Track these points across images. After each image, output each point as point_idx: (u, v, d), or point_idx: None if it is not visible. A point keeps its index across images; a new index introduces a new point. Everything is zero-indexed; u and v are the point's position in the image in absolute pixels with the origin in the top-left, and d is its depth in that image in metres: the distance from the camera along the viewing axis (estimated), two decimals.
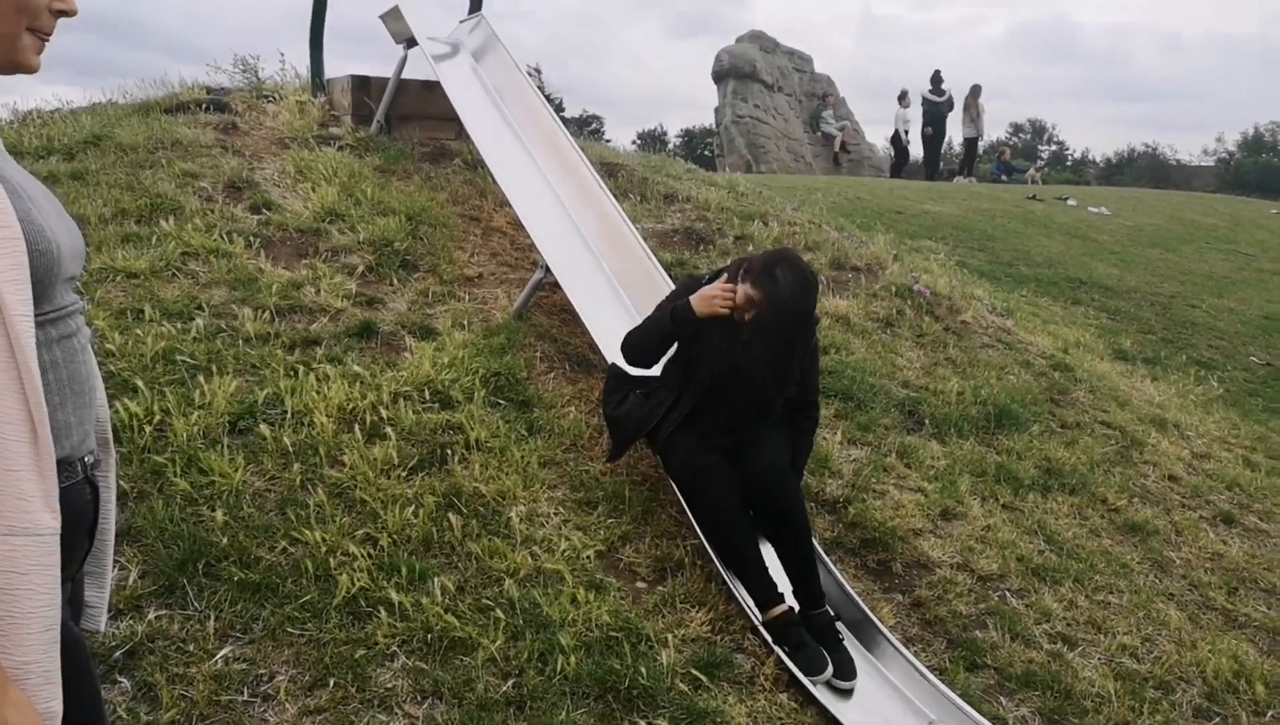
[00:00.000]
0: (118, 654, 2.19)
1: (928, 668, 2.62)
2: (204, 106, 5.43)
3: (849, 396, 3.98)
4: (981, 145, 18.17)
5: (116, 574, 2.38)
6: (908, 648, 2.68)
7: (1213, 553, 3.62)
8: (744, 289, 2.77)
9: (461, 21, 5.80)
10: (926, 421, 4.02)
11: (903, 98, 17.14)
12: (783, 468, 2.83)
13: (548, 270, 3.90)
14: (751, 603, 2.71)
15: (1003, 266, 8.17)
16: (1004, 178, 18.58)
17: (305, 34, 5.80)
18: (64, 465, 1.12)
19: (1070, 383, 4.88)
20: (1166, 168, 41.08)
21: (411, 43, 5.27)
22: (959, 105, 16.95)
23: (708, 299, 2.83)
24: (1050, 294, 7.58)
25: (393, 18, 5.32)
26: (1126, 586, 3.23)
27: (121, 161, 4.39)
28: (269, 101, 5.67)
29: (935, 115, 16.86)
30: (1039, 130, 51.26)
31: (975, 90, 16.59)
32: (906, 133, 17.27)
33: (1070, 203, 12.76)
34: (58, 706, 1.08)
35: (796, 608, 2.68)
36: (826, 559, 2.93)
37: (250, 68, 10.40)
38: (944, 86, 16.87)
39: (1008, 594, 3.05)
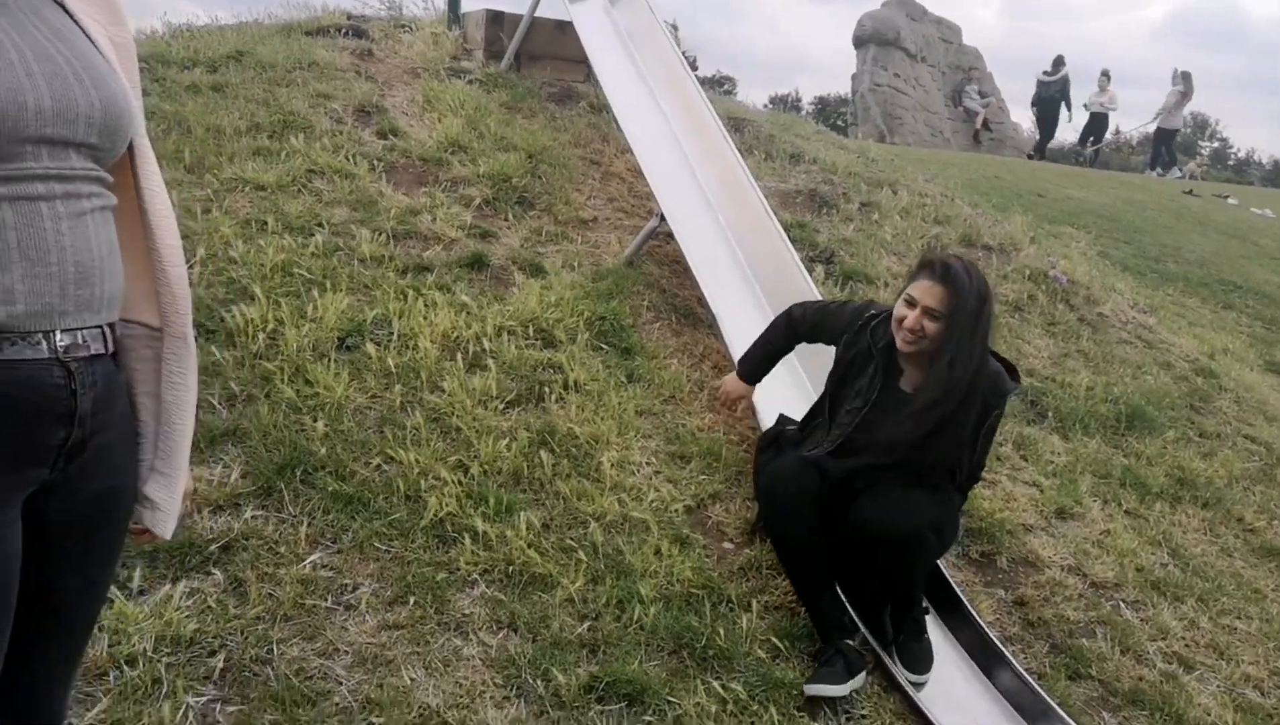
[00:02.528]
0: (213, 547, 2.25)
1: (1026, 670, 2.45)
2: (343, 32, 5.52)
3: None
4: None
5: (219, 471, 2.45)
6: (1006, 646, 2.52)
7: None
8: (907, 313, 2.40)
9: None
10: (1050, 414, 3.77)
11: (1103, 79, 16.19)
12: (899, 504, 2.36)
13: (662, 219, 3.80)
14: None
15: (1149, 261, 7.61)
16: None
17: None
18: (16, 335, 1.03)
19: (1214, 390, 4.50)
20: None
21: None
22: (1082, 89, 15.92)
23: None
24: (1199, 295, 7.02)
25: None
26: (1257, 613, 2.95)
27: (260, 78, 4.50)
28: (406, 31, 5.73)
29: (1043, 97, 16.18)
30: (1200, 124, 47.68)
31: (1185, 77, 15.15)
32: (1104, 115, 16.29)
33: (1231, 201, 11.82)
34: None
35: (861, 639, 2.43)
36: None
37: (395, 3, 10.67)
38: (1064, 71, 16.02)
39: (1122, 604, 2.84)
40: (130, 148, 1.17)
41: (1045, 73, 16.18)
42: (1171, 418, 4.02)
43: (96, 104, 1.09)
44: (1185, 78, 15.06)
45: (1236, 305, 6.94)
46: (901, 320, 2.40)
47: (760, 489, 2.65)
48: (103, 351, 1.14)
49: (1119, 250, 7.52)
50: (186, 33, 5.21)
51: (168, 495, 1.26)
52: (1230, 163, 42.70)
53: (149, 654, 1.94)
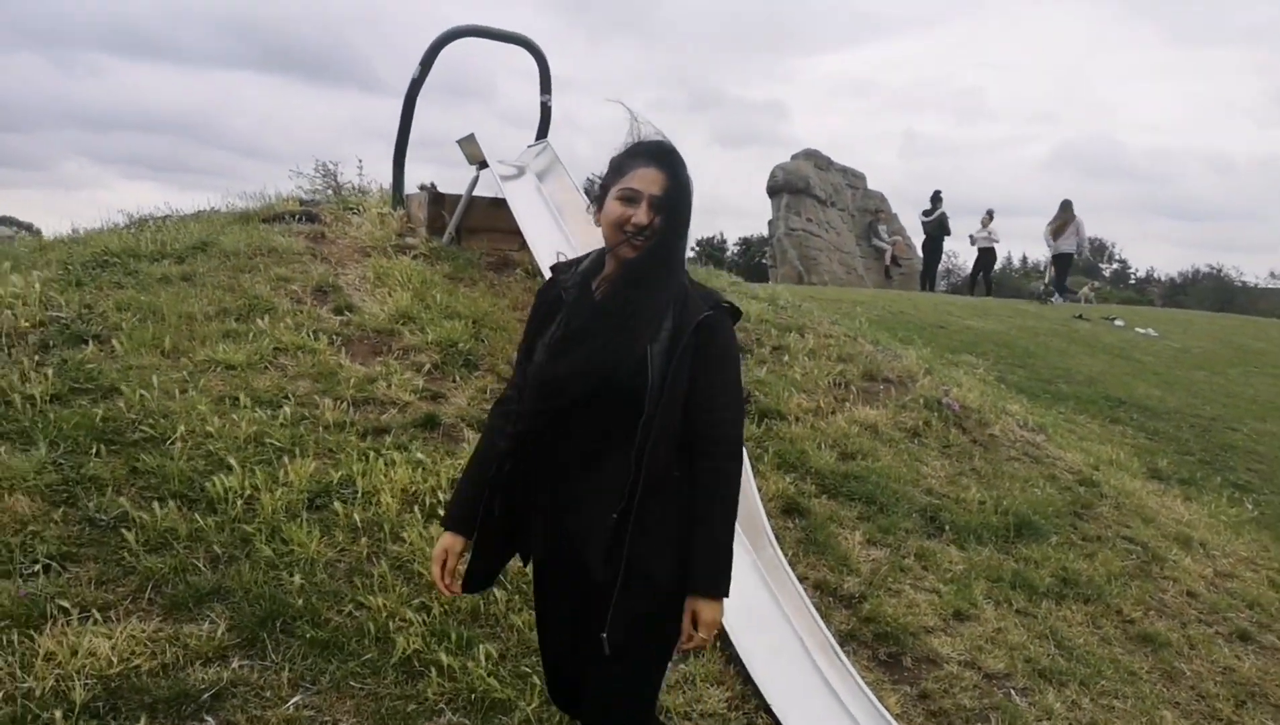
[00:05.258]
0: (205, 696, 2.52)
1: None
2: (297, 217, 6.07)
3: (872, 500, 4.23)
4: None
5: (207, 627, 2.74)
6: None
7: (1225, 667, 3.73)
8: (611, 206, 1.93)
9: (529, 146, 6.42)
10: (947, 528, 4.24)
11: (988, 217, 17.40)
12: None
13: None
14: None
15: (1042, 383, 8.35)
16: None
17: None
18: None
19: (1095, 498, 5.05)
20: (1232, 290, 40.52)
21: (484, 165, 5.87)
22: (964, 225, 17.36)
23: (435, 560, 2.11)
24: (1089, 412, 7.73)
25: (468, 143, 5.96)
26: (1132, 693, 3.37)
27: (225, 266, 4.96)
28: (354, 213, 6.29)
29: (925, 233, 17.72)
30: (1098, 249, 51.12)
31: (1065, 205, 15.65)
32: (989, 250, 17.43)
33: (1118, 323, 12.89)
34: None
35: None
36: (839, 650, 3.16)
37: (330, 173, 11.39)
38: (940, 208, 17.40)
39: (1013, 692, 3.23)
40: None
41: (925, 212, 17.57)
42: (1056, 524, 4.53)
43: None
44: (1064, 206, 15.46)
45: (1122, 419, 7.65)
46: (626, 219, 1.90)
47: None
48: None
49: (1014, 374, 8.26)
50: (152, 225, 5.68)
51: None
52: (1131, 282, 45.63)
53: None
